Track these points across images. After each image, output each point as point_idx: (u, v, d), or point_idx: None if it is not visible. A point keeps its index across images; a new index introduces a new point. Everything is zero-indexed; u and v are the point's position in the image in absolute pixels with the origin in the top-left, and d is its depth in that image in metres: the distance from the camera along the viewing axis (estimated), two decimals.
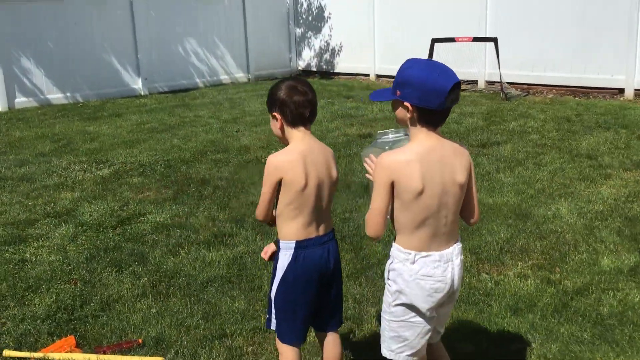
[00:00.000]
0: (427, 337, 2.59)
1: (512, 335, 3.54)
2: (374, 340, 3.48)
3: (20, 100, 11.77)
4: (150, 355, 3.48)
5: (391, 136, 2.65)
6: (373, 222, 2.44)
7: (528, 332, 3.57)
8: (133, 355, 3.49)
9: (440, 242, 2.48)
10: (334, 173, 2.74)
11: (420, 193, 2.37)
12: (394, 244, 2.54)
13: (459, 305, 3.88)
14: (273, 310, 2.78)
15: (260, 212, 2.75)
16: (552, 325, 3.62)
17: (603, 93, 11.03)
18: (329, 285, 2.80)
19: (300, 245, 2.68)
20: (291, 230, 2.68)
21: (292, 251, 2.68)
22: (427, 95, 2.31)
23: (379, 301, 3.97)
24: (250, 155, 7.76)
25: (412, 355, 2.59)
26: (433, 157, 2.39)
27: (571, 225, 5.13)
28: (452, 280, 2.50)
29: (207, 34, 14.67)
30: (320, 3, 15.81)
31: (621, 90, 10.80)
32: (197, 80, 14.58)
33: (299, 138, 2.67)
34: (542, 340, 3.48)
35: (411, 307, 2.51)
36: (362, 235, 5.07)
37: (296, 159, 2.61)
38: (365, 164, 2.59)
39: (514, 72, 12.06)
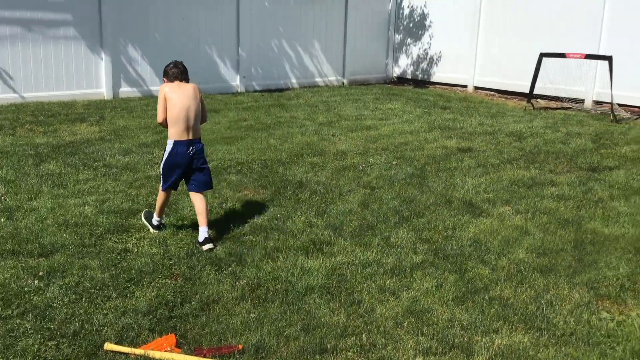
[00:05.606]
0: None
1: None
2: None
3: (125, 90, 12.10)
4: None
5: None
6: None
7: None
8: None
9: None
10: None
11: None
12: None
13: (577, 345, 3.59)
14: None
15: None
16: None
17: None
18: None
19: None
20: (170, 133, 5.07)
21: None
22: None
23: (489, 330, 3.74)
24: (348, 161, 7.63)
25: None
26: None
27: None
28: None
29: (307, 35, 14.68)
30: (422, 10, 15.52)
31: None
32: (293, 80, 14.61)
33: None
34: None
35: None
36: (466, 255, 4.83)
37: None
38: None
39: (626, 93, 11.41)
